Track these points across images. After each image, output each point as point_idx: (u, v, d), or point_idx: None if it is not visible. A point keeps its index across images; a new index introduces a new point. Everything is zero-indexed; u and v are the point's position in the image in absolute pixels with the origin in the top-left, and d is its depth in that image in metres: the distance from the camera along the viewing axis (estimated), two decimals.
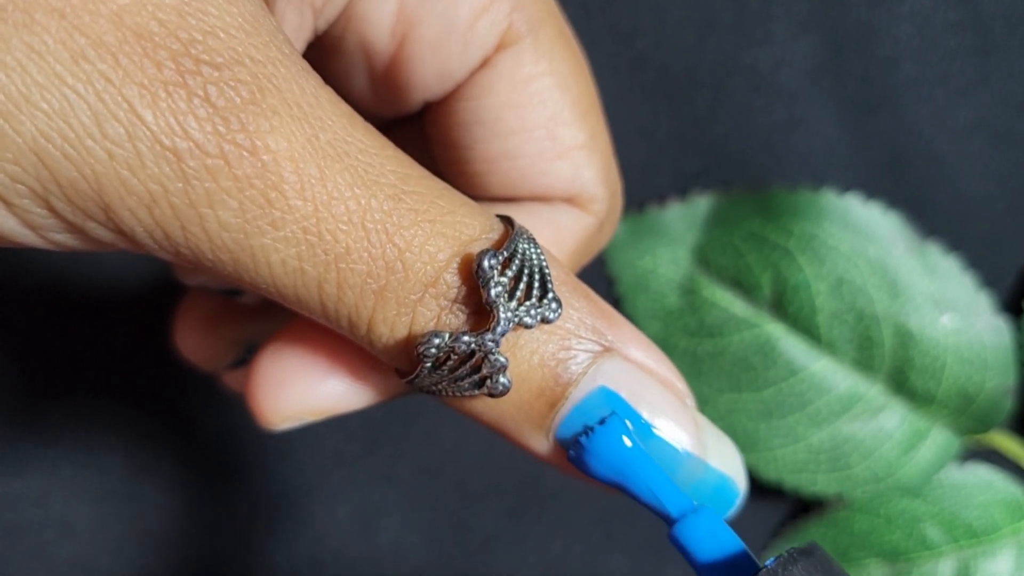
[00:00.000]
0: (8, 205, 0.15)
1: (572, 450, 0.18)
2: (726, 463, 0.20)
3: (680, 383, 0.19)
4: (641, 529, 0.35)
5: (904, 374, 0.34)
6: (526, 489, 0.35)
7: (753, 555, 0.17)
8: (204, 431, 0.35)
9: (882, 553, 0.34)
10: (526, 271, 0.17)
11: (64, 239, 0.16)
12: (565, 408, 0.18)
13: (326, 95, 0.17)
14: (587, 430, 0.18)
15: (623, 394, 0.18)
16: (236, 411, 0.34)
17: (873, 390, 0.34)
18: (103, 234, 0.16)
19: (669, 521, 0.17)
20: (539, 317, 0.17)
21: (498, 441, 0.19)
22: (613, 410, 0.18)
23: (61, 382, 0.34)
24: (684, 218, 0.35)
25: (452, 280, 0.17)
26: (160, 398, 0.34)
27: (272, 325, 0.22)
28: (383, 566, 0.35)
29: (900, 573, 0.34)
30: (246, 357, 0.24)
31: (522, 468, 0.35)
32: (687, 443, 0.19)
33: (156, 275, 0.34)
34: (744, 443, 0.34)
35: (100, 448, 0.34)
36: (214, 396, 0.34)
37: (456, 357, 0.17)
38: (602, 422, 0.18)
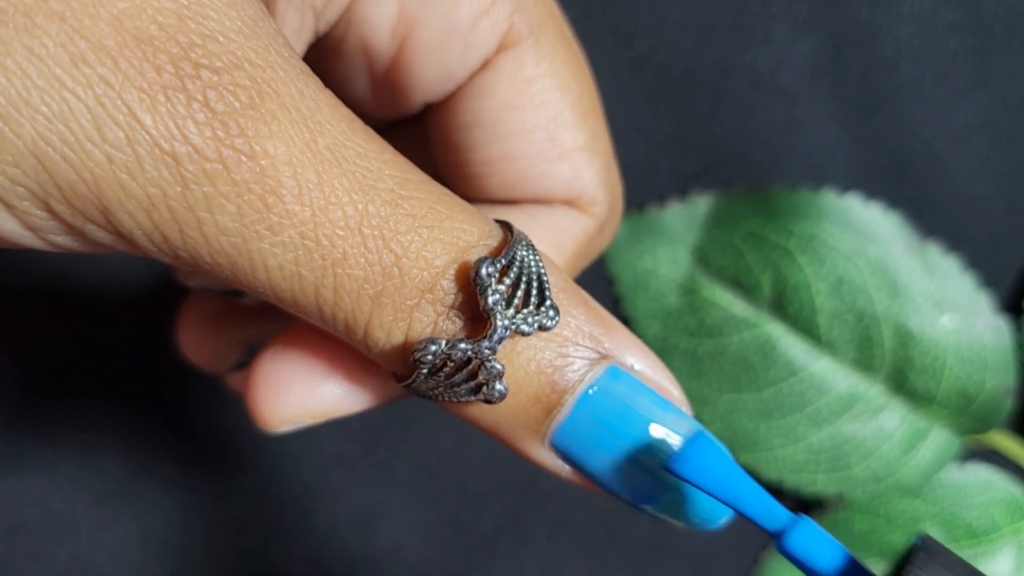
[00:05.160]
0: (8, 207, 0.15)
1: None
2: None
3: (677, 390, 0.19)
4: (641, 529, 0.35)
5: (904, 374, 0.34)
6: (526, 489, 0.35)
7: (860, 561, 0.17)
8: (204, 431, 0.35)
9: (882, 553, 0.34)
10: (524, 278, 0.17)
11: (64, 241, 0.16)
12: (561, 415, 0.18)
13: (325, 99, 0.17)
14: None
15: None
16: (236, 411, 0.34)
17: (873, 390, 0.34)
18: (102, 236, 0.16)
19: (775, 533, 0.17)
20: (536, 324, 0.17)
21: (497, 443, 0.19)
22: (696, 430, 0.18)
23: (61, 382, 0.34)
24: (684, 218, 0.35)
25: (449, 286, 0.17)
26: (160, 398, 0.34)
27: (274, 326, 0.22)
28: (383, 566, 0.35)
29: None
30: (247, 359, 0.24)
31: (522, 468, 0.35)
32: None
33: (156, 276, 0.34)
34: (744, 443, 0.34)
35: (100, 448, 0.34)
36: (214, 396, 0.34)
37: (452, 363, 0.17)
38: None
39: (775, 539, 0.17)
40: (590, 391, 0.18)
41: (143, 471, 0.34)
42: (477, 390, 0.18)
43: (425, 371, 0.17)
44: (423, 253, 0.17)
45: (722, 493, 0.17)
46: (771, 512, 0.17)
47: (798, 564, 0.17)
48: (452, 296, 0.17)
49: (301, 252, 0.16)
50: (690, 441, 0.18)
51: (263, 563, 0.35)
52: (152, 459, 0.34)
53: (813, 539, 0.17)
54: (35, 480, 0.34)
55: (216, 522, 0.35)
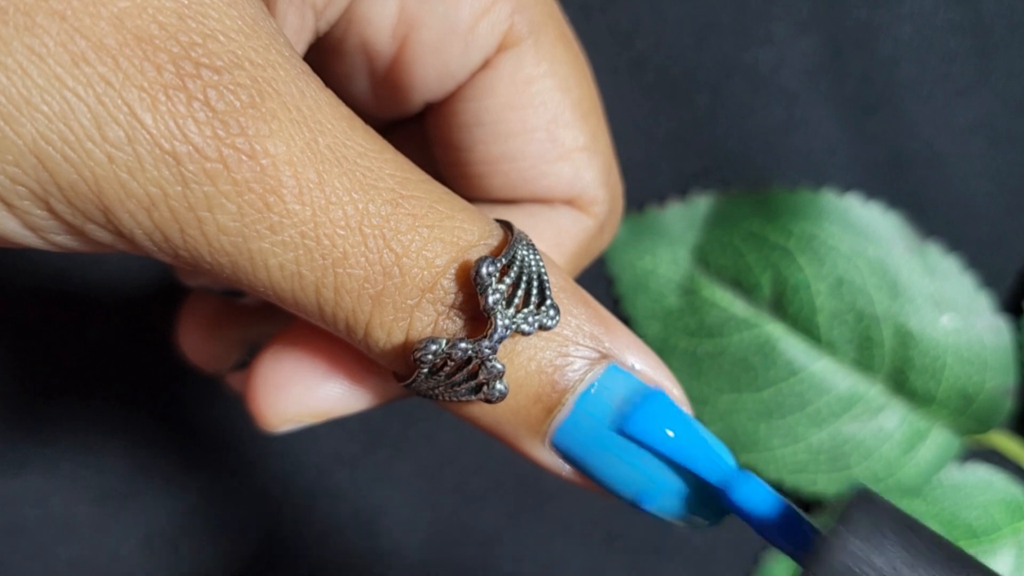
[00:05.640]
0: (9, 207, 0.15)
1: (617, 425, 0.18)
2: None
3: (677, 390, 0.19)
4: (641, 529, 0.36)
5: (904, 374, 0.34)
6: (526, 489, 0.35)
7: (799, 510, 0.18)
8: (204, 431, 0.35)
9: None
10: (524, 278, 0.17)
11: (64, 240, 0.16)
12: (562, 414, 0.18)
13: (326, 98, 0.17)
14: (627, 406, 0.18)
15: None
16: (236, 411, 0.34)
17: (873, 390, 0.34)
18: (103, 236, 0.16)
19: (721, 485, 0.18)
20: (537, 324, 0.17)
21: (497, 442, 0.19)
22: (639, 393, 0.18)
23: (61, 382, 0.34)
24: (684, 218, 0.35)
25: (450, 286, 0.17)
26: (160, 398, 0.34)
27: (274, 326, 0.22)
28: (383, 566, 0.35)
29: None
30: (247, 358, 0.24)
31: (522, 468, 0.35)
32: None
33: (156, 276, 0.34)
34: (744, 443, 0.34)
35: (100, 448, 0.34)
36: (214, 396, 0.34)
37: (453, 363, 0.17)
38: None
39: (720, 493, 0.18)
40: (591, 390, 0.18)
41: (143, 471, 0.34)
42: (477, 389, 0.18)
43: (425, 371, 0.17)
44: (423, 252, 0.17)
45: (667, 450, 0.18)
46: (716, 466, 0.18)
47: (742, 515, 0.18)
48: (452, 295, 0.17)
49: (301, 251, 0.16)
50: (641, 400, 0.18)
51: (263, 563, 0.35)
52: (152, 459, 0.34)
53: (755, 491, 0.18)
54: (35, 480, 0.34)
55: (216, 522, 0.35)
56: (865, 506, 0.16)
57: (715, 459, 0.18)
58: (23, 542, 0.34)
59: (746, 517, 0.18)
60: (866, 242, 0.34)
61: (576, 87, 0.22)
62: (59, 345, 0.34)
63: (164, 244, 0.16)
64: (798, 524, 0.17)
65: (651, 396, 0.18)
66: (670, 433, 0.18)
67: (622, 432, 0.18)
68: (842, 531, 0.16)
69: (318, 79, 0.17)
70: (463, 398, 0.18)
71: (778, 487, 0.34)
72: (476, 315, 0.17)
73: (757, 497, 0.18)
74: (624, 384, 0.18)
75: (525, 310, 0.17)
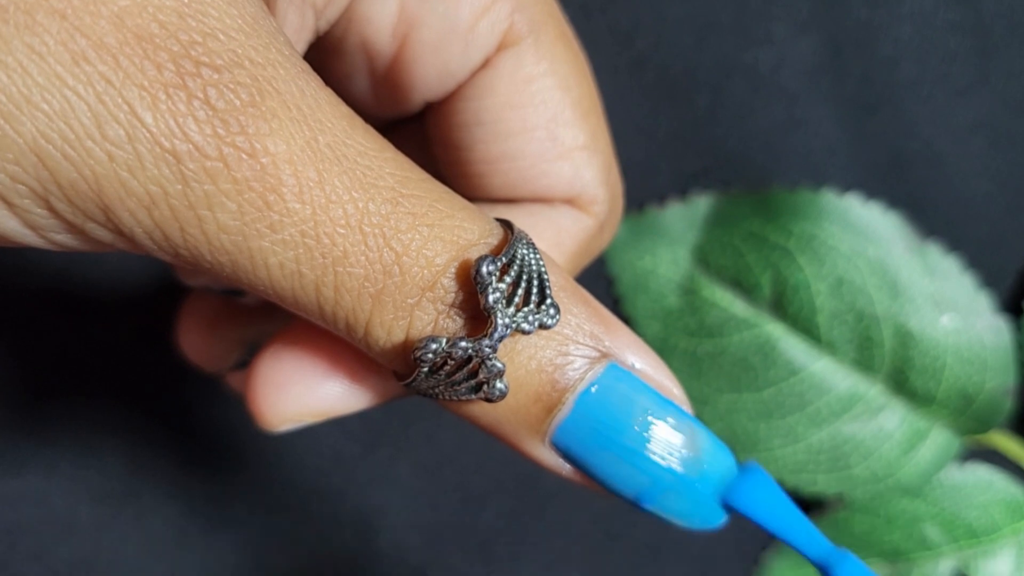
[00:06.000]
0: (9, 205, 0.15)
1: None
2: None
3: (677, 389, 0.19)
4: (641, 529, 0.35)
5: (904, 374, 0.34)
6: (526, 489, 0.35)
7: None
8: (204, 431, 0.35)
9: (882, 553, 0.34)
10: (524, 277, 0.17)
11: (64, 239, 0.16)
12: (562, 413, 0.18)
13: (326, 97, 0.17)
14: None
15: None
16: (236, 411, 0.34)
17: (873, 390, 0.34)
18: (103, 235, 0.16)
19: (820, 563, 0.18)
20: (537, 323, 0.17)
21: (498, 441, 0.19)
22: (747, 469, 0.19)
23: (61, 382, 0.34)
24: (684, 218, 0.35)
25: (450, 284, 0.17)
26: (160, 398, 0.34)
27: (275, 326, 0.22)
28: (383, 566, 0.35)
29: (900, 573, 0.34)
30: (248, 358, 0.24)
31: (522, 468, 0.35)
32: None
33: (156, 275, 0.34)
34: (744, 443, 0.34)
35: (100, 448, 0.34)
36: (214, 396, 0.34)
37: (453, 362, 0.17)
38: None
39: (819, 570, 0.18)
40: (591, 389, 0.18)
41: (143, 471, 0.34)
42: (478, 388, 0.18)
43: (426, 369, 0.17)
44: (424, 251, 0.17)
45: (773, 525, 0.19)
46: (817, 544, 0.18)
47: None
48: (453, 294, 0.17)
49: (301, 250, 0.16)
50: (745, 474, 0.19)
51: (263, 563, 0.35)
52: (152, 459, 0.34)
53: (854, 572, 0.18)
54: (35, 480, 0.34)
55: (216, 522, 0.35)
56: None
57: (815, 536, 0.18)
58: (23, 542, 0.34)
59: None
60: (866, 242, 0.34)
61: (576, 86, 0.22)
62: (59, 345, 0.34)
63: (164, 243, 0.16)
64: None
65: (752, 470, 0.19)
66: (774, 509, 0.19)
67: (727, 505, 0.19)
68: None
69: (318, 78, 0.17)
70: (463, 397, 0.18)
71: None
72: (476, 314, 0.17)
73: None
74: (625, 383, 0.18)
75: (525, 309, 0.17)
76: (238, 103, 0.15)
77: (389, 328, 0.17)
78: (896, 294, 0.33)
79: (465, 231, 0.17)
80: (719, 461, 0.19)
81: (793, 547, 0.18)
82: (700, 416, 0.34)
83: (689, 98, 0.34)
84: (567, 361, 0.18)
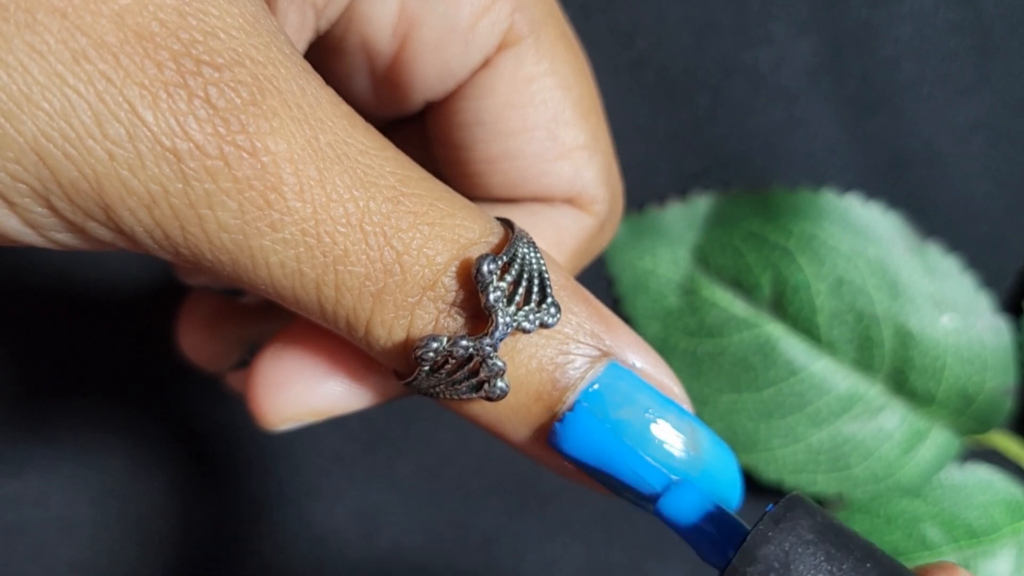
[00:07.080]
0: (9, 204, 0.15)
1: (548, 438, 0.18)
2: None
3: (678, 388, 0.19)
4: (641, 529, 0.35)
5: (904, 374, 0.34)
6: (526, 489, 0.35)
7: (738, 517, 0.17)
8: (204, 431, 0.35)
9: None
10: (525, 275, 0.17)
11: (65, 238, 0.16)
12: (563, 412, 0.18)
13: (326, 96, 0.17)
14: (559, 416, 0.18)
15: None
16: (236, 411, 0.34)
17: (873, 390, 0.34)
18: (103, 233, 0.16)
19: (652, 498, 0.18)
20: (538, 322, 0.17)
21: (498, 441, 0.19)
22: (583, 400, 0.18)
23: (61, 382, 0.34)
24: (684, 218, 0.35)
25: (450, 283, 0.17)
26: (160, 398, 0.34)
27: (275, 325, 0.22)
28: (383, 566, 0.35)
29: None
30: (248, 357, 0.24)
31: (522, 468, 0.35)
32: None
33: (157, 275, 0.34)
34: (744, 443, 0.34)
35: (100, 448, 0.34)
36: (214, 396, 0.34)
37: (454, 361, 0.17)
38: (572, 408, 0.18)
39: (651, 504, 0.18)
40: (591, 388, 0.18)
41: (143, 471, 0.34)
42: (478, 387, 0.18)
43: (426, 368, 0.17)
44: (424, 250, 0.17)
45: (598, 463, 0.18)
46: (644, 479, 0.18)
47: (672, 526, 0.18)
48: (453, 293, 0.17)
49: (302, 249, 0.16)
50: (569, 417, 0.18)
51: (263, 563, 0.35)
52: (152, 459, 0.34)
53: (688, 501, 0.18)
54: (35, 480, 0.34)
55: (216, 522, 0.35)
56: (794, 508, 0.17)
57: (643, 471, 0.18)
58: (23, 542, 0.34)
59: (676, 528, 0.18)
60: (866, 242, 0.34)
61: (576, 86, 0.22)
62: (59, 345, 0.34)
63: (165, 242, 0.16)
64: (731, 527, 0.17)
65: (579, 411, 0.18)
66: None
67: (550, 445, 0.18)
68: (765, 530, 0.16)
69: (319, 77, 0.17)
70: (464, 396, 0.18)
71: (778, 487, 0.34)
72: (477, 313, 0.17)
73: (688, 506, 0.18)
74: (625, 382, 0.18)
75: (526, 308, 0.17)
76: (239, 102, 0.15)
77: (390, 327, 0.17)
78: (896, 294, 0.33)
79: (466, 230, 0.17)
80: (720, 460, 0.19)
81: (622, 484, 0.18)
82: (700, 416, 0.34)
83: (689, 98, 0.34)
84: (568, 360, 0.18)
